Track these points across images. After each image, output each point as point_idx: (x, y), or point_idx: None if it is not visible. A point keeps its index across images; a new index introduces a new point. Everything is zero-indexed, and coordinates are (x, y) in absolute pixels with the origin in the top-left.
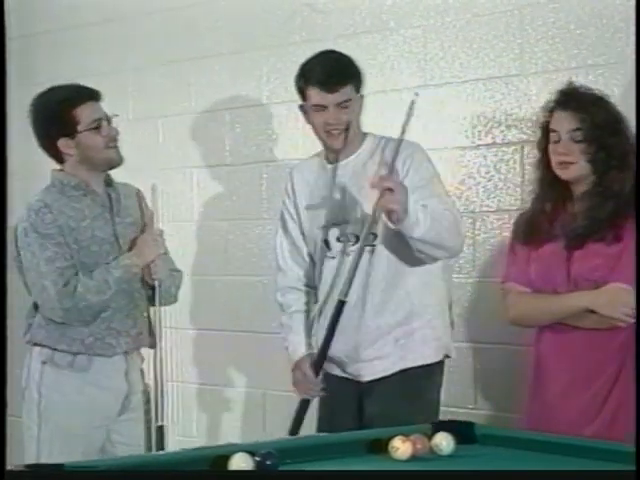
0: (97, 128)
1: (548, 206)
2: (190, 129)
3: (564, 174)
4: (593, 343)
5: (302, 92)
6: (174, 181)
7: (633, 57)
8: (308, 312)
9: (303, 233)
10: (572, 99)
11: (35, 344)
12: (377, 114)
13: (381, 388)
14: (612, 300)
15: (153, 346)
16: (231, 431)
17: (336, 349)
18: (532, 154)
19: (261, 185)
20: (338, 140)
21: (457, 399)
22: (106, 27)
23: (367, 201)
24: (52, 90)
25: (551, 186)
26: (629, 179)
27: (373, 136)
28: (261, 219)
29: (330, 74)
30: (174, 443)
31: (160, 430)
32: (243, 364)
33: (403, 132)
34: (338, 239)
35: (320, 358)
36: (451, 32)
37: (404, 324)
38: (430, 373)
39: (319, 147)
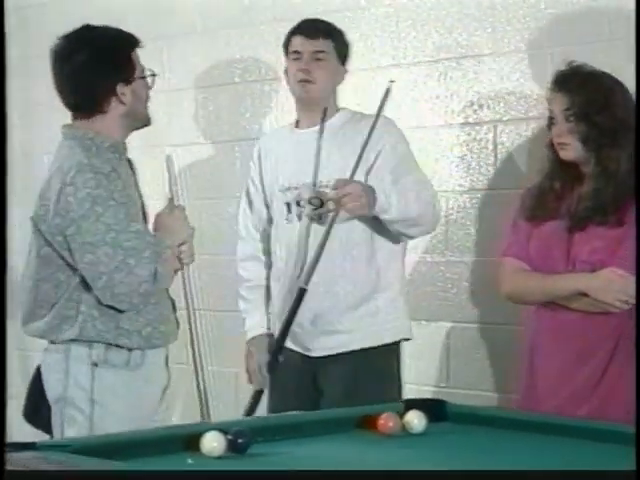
0: (143, 78)
1: (557, 185)
2: (163, 107)
3: (563, 155)
4: (586, 325)
5: (287, 46)
6: (146, 159)
7: (608, 36)
8: (268, 288)
9: (265, 200)
10: (564, 79)
11: (79, 341)
12: (350, 93)
13: (339, 366)
14: (606, 285)
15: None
16: None
17: (298, 318)
18: (505, 133)
19: (234, 164)
20: (305, 90)
21: (429, 377)
22: (78, 6)
23: (335, 167)
24: (97, 29)
25: (559, 166)
26: (623, 158)
27: (348, 110)
28: (234, 197)
29: (314, 24)
30: None
31: None
32: (215, 344)
33: (378, 116)
34: (298, 203)
35: (278, 345)
36: (423, 11)
37: (369, 299)
38: (391, 352)
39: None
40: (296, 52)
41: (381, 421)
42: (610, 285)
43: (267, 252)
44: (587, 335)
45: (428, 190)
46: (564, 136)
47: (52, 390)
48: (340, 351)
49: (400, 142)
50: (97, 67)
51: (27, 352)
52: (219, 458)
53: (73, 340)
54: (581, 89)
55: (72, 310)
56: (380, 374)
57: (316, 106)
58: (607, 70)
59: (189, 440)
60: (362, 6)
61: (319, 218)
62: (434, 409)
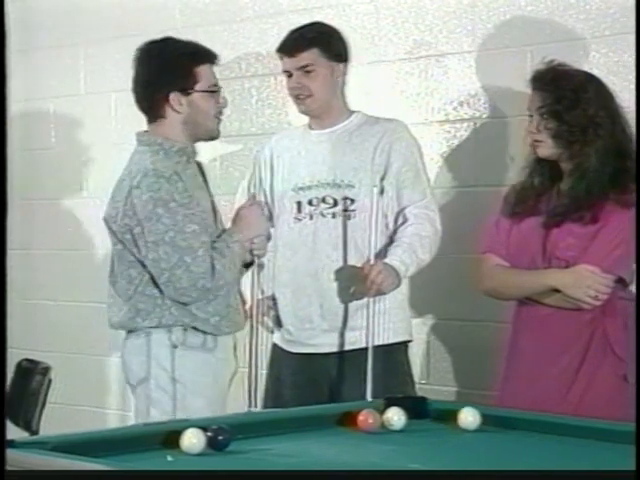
0: (213, 92)
1: (536, 181)
2: None
3: (538, 152)
4: (560, 321)
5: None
6: (125, 156)
7: (588, 34)
8: (261, 266)
9: (270, 197)
10: (539, 77)
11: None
12: None
13: (351, 363)
14: (577, 281)
15: None
16: None
17: (308, 313)
18: (485, 130)
19: (215, 160)
20: (304, 105)
21: None
22: (60, 1)
23: (349, 168)
24: (171, 41)
25: (538, 163)
26: (595, 154)
27: (362, 113)
28: (216, 195)
29: (289, 39)
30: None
31: None
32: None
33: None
34: (310, 202)
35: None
36: (403, 8)
37: (379, 299)
38: (400, 351)
39: (273, 122)
40: (286, 71)
41: (361, 418)
42: (580, 281)
43: None
44: (560, 331)
45: (430, 216)
46: (538, 133)
47: (135, 373)
48: (351, 348)
49: (410, 150)
50: (154, 76)
51: (27, 351)
52: (199, 455)
53: (153, 327)
54: (552, 87)
55: (144, 304)
56: (391, 372)
57: (322, 113)
58: (587, 67)
59: (169, 437)
60: (342, 3)
61: (333, 216)
62: (414, 406)
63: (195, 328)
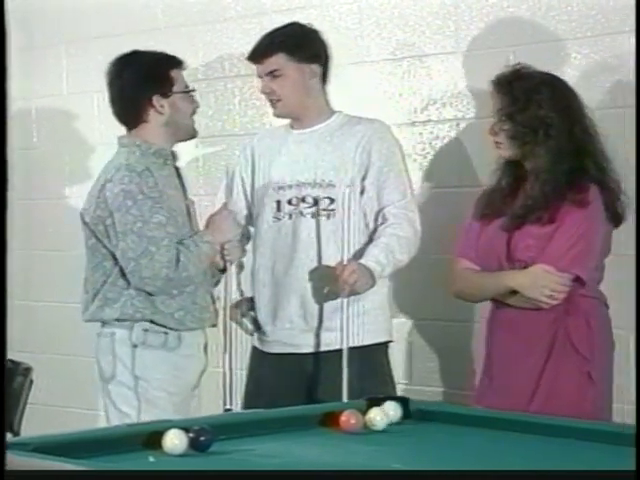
0: (188, 93)
1: (503, 183)
2: None
3: (500, 154)
4: (526, 321)
5: None
6: (108, 156)
7: (571, 36)
8: (241, 266)
9: (250, 196)
10: (499, 81)
11: (120, 320)
12: None
13: (330, 364)
14: (533, 281)
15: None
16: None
17: (288, 313)
18: (467, 131)
19: (197, 160)
20: (276, 108)
21: None
22: (42, 1)
23: (330, 167)
24: (142, 52)
25: (505, 164)
26: (546, 155)
27: (344, 114)
28: (197, 195)
29: (257, 46)
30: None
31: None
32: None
33: None
34: (289, 202)
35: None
36: (386, 9)
37: (358, 300)
38: (380, 352)
39: (256, 122)
40: (259, 76)
41: (343, 418)
42: (536, 281)
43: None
44: (526, 331)
45: (409, 216)
46: (496, 135)
47: (104, 370)
48: (327, 349)
49: (392, 151)
50: (136, 83)
51: (13, 352)
52: (181, 456)
53: (117, 320)
54: (508, 89)
55: (114, 293)
56: (371, 372)
57: (297, 115)
58: (569, 68)
59: (151, 438)
60: (325, 3)
61: (312, 215)
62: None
63: (155, 322)
